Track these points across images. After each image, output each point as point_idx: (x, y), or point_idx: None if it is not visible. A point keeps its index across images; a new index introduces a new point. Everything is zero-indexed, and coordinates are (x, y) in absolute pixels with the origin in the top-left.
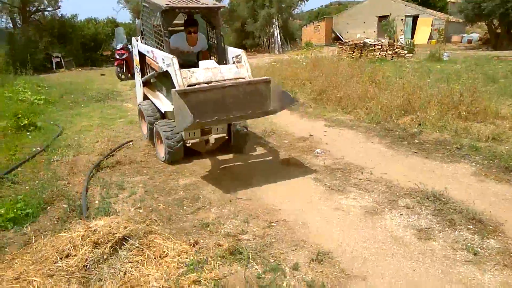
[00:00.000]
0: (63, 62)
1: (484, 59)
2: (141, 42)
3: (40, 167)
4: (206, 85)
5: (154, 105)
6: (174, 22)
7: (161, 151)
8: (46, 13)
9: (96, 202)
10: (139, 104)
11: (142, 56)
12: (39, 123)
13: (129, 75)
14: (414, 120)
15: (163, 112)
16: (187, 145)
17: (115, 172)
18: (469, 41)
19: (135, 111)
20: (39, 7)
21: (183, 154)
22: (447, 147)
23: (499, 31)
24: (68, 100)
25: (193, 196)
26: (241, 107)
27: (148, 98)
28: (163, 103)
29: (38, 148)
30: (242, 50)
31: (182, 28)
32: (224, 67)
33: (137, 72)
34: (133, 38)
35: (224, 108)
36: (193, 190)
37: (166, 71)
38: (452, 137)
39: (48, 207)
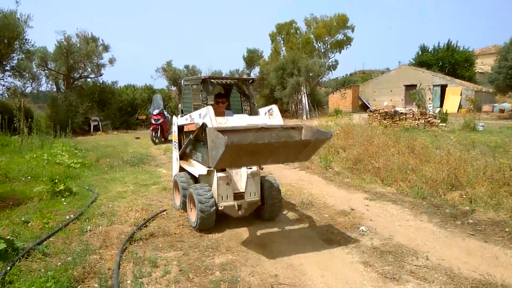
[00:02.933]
0: (100, 125)
1: None
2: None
3: (72, 238)
4: (240, 125)
5: (189, 174)
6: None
7: (193, 216)
8: (88, 79)
9: (128, 281)
10: (174, 176)
11: (180, 131)
12: (75, 188)
13: (163, 139)
14: (464, 196)
15: (197, 176)
16: (220, 208)
17: (148, 245)
18: (501, 111)
19: (168, 177)
20: (82, 74)
21: (214, 220)
22: (507, 230)
23: None
24: (104, 164)
25: (231, 278)
26: (274, 155)
27: (183, 171)
28: (197, 168)
29: (72, 215)
30: (274, 105)
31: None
32: (257, 117)
33: (175, 148)
34: (174, 117)
35: (259, 156)
36: (231, 270)
37: (203, 131)
38: (510, 217)
39: (79, 287)
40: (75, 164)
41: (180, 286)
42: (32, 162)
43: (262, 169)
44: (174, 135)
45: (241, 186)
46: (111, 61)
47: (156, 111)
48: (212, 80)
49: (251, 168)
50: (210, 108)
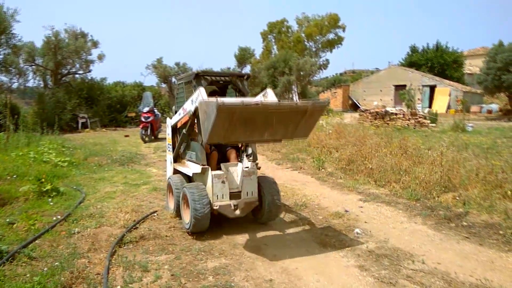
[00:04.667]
0: (88, 123)
1: (509, 131)
2: None
3: (59, 240)
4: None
5: (183, 175)
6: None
7: (187, 217)
8: (76, 75)
9: (118, 287)
10: (168, 178)
11: (174, 133)
12: (62, 188)
13: (153, 137)
14: (457, 198)
15: (191, 176)
16: (215, 208)
17: (139, 248)
18: (489, 112)
19: (158, 177)
20: (70, 70)
21: (208, 223)
22: (501, 232)
23: None
24: (92, 162)
25: (225, 284)
26: (270, 127)
27: (177, 173)
28: (191, 167)
29: (59, 217)
30: (269, 88)
31: None
32: (252, 98)
33: (169, 150)
34: (167, 119)
35: (253, 127)
36: (224, 275)
37: (196, 119)
38: (504, 220)
39: None
40: (62, 163)
41: None
42: (18, 160)
43: (259, 168)
44: (168, 138)
45: (238, 185)
46: (100, 57)
47: (146, 109)
48: (206, 76)
49: (247, 166)
50: (202, 89)
